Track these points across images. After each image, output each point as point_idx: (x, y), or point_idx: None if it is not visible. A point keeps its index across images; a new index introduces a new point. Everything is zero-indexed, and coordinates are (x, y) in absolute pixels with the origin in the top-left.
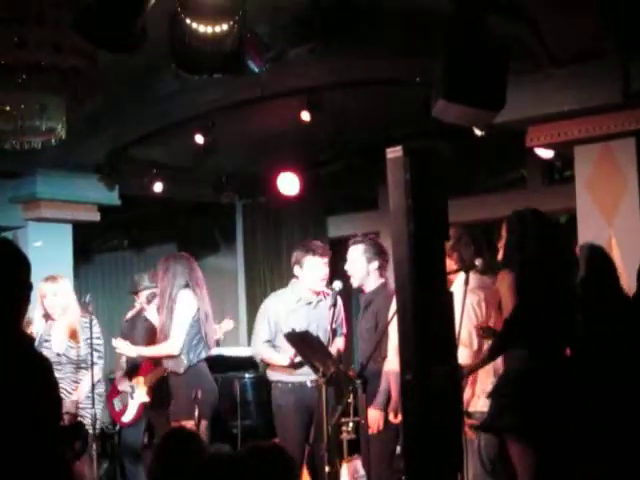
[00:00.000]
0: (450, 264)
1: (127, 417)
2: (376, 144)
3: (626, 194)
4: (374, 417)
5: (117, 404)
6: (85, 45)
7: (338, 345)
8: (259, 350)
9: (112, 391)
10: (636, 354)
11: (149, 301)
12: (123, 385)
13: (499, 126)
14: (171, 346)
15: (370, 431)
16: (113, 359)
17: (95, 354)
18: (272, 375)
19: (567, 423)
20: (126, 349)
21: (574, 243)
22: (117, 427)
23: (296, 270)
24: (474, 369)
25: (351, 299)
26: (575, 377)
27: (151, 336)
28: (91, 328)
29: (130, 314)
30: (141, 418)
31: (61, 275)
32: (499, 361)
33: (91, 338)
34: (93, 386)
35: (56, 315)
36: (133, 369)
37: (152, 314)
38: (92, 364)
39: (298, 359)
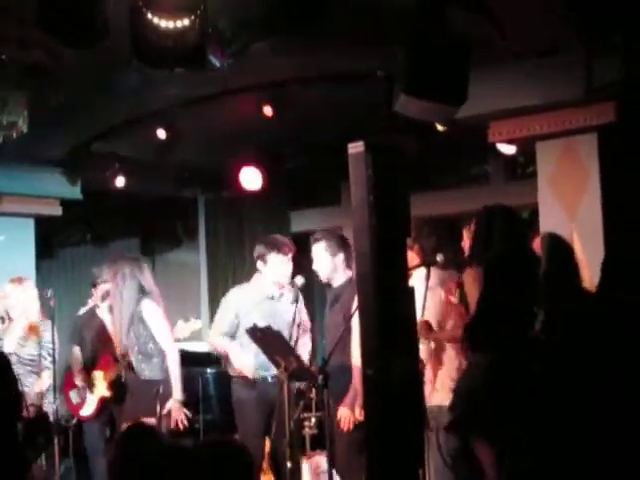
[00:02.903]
0: (412, 257)
1: (86, 411)
2: (339, 139)
3: (588, 190)
4: (344, 415)
5: (74, 397)
6: (49, 40)
7: (307, 346)
8: (216, 341)
9: (67, 384)
10: (600, 348)
11: (103, 298)
12: (80, 378)
13: (461, 121)
14: (173, 347)
15: (342, 428)
16: (67, 358)
17: (48, 358)
18: (233, 370)
19: (531, 419)
20: None
21: (535, 237)
22: (74, 420)
23: (259, 265)
24: (433, 337)
25: (313, 294)
26: (539, 371)
27: (102, 335)
28: (53, 330)
29: (83, 310)
30: (102, 412)
31: (26, 278)
32: (455, 362)
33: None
34: (55, 383)
35: (14, 315)
36: (91, 363)
37: (104, 312)
38: (54, 361)
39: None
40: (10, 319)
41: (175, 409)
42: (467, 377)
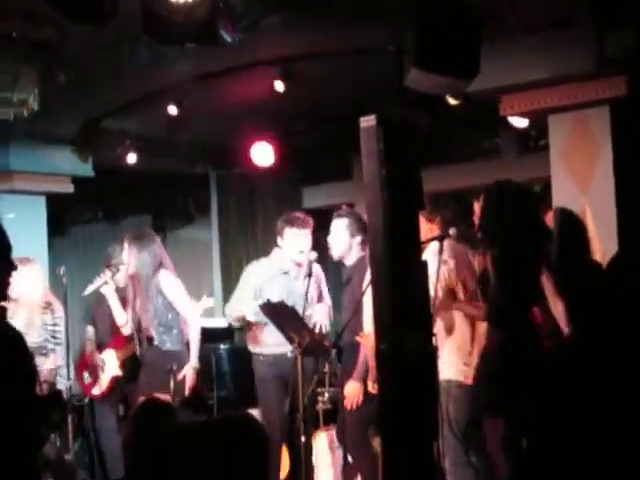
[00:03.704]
0: (432, 229)
1: (98, 390)
2: (350, 114)
3: (600, 163)
4: (353, 389)
5: (86, 376)
6: (57, 17)
7: (319, 314)
8: (232, 310)
9: (81, 364)
10: (612, 324)
11: (113, 274)
12: (93, 358)
13: (473, 95)
14: (195, 314)
15: (348, 404)
16: (81, 337)
17: (52, 341)
18: (253, 348)
19: (542, 398)
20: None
21: (548, 211)
22: (86, 399)
23: (278, 240)
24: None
25: (328, 271)
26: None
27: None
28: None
29: (90, 288)
30: (114, 391)
31: (31, 260)
32: (467, 334)
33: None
34: (68, 360)
35: (14, 296)
36: (103, 341)
37: (110, 293)
38: (68, 338)
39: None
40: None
41: (190, 375)
42: (486, 354)
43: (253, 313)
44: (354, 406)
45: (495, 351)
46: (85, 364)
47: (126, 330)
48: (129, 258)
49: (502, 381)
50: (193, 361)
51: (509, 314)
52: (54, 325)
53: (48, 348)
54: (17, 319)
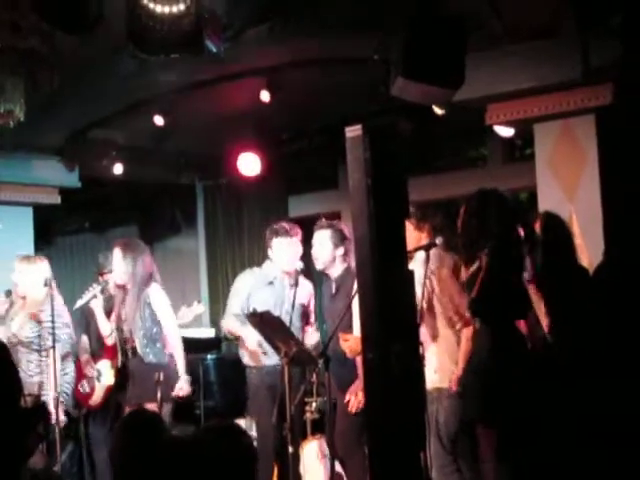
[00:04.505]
0: (422, 238)
1: (95, 400)
2: (336, 123)
3: (586, 171)
4: (352, 402)
5: (83, 387)
6: (43, 26)
7: (313, 338)
8: (229, 324)
9: (77, 374)
10: (599, 326)
11: (102, 289)
12: (88, 368)
13: (459, 104)
14: (178, 338)
15: (344, 412)
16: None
17: (50, 338)
18: (248, 361)
19: (532, 405)
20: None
21: (536, 219)
22: (83, 410)
23: (269, 253)
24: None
25: (313, 279)
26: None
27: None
28: (52, 308)
29: (82, 301)
30: (108, 401)
31: (41, 258)
32: (453, 341)
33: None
34: (54, 369)
35: (21, 293)
36: (97, 351)
37: (98, 307)
38: (54, 345)
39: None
40: (20, 297)
41: (184, 388)
42: (474, 362)
43: (256, 343)
44: (350, 413)
45: (483, 359)
46: (81, 375)
47: (110, 340)
48: (120, 267)
49: (491, 390)
50: (180, 371)
51: (496, 321)
52: (51, 322)
53: (42, 345)
54: (19, 316)
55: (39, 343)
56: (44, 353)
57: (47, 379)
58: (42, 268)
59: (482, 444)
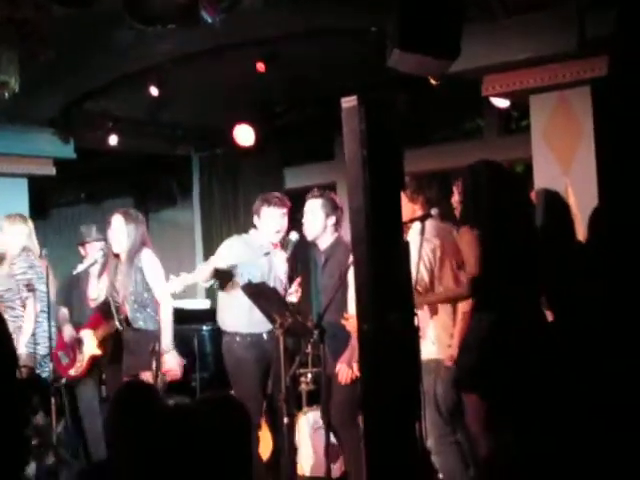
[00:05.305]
0: (415, 209)
1: (76, 370)
2: (332, 94)
3: (582, 143)
4: (342, 372)
5: (63, 357)
6: None
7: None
8: (201, 266)
9: (57, 345)
10: (597, 305)
11: (104, 254)
12: (70, 338)
13: (454, 75)
14: (168, 296)
15: (339, 383)
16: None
17: (24, 289)
18: (228, 327)
19: (527, 379)
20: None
21: (530, 192)
22: (63, 381)
23: (255, 220)
24: (426, 301)
25: (307, 252)
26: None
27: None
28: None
29: (80, 268)
30: (93, 371)
31: (23, 218)
32: (450, 314)
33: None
34: (50, 338)
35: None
36: (79, 322)
37: (95, 269)
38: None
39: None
40: None
41: (166, 360)
42: (472, 334)
43: (221, 261)
44: (342, 384)
45: (483, 333)
46: (61, 345)
47: (94, 304)
48: (122, 234)
49: (490, 363)
50: (163, 343)
51: (498, 295)
52: (24, 274)
53: (16, 299)
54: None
55: (10, 298)
56: (19, 309)
57: (20, 335)
58: (21, 227)
59: (470, 413)
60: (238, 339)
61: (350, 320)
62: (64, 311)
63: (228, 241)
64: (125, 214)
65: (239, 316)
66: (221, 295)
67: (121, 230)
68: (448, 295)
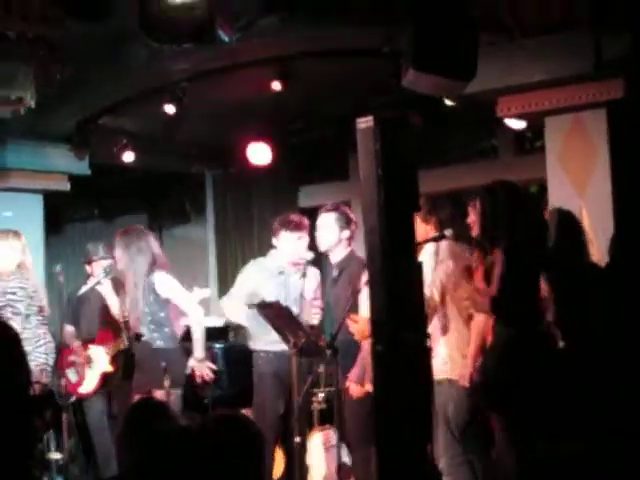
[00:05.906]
0: (428, 230)
1: (86, 388)
2: (347, 114)
3: (597, 165)
4: (352, 389)
5: (72, 375)
6: (54, 13)
7: (314, 318)
8: (226, 304)
9: (64, 362)
10: (611, 323)
11: (106, 274)
12: (78, 355)
13: (470, 97)
14: (195, 307)
15: (350, 400)
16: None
17: (9, 310)
18: (254, 345)
19: (544, 397)
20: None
21: (544, 212)
22: (72, 399)
23: (274, 241)
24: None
25: (322, 269)
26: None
27: (102, 310)
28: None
29: (85, 289)
30: (104, 388)
31: (16, 234)
32: (465, 334)
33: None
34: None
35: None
36: (88, 339)
37: (107, 289)
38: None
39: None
40: None
41: (197, 367)
42: (491, 352)
43: (246, 319)
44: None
45: (503, 349)
46: (68, 362)
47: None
48: (118, 254)
49: (510, 379)
50: (197, 353)
51: (517, 311)
52: (12, 294)
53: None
54: None
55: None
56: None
57: None
58: (14, 242)
59: (498, 434)
60: (262, 354)
61: (357, 324)
62: (70, 329)
63: (244, 269)
64: (121, 234)
65: (264, 333)
66: (249, 313)
67: (117, 250)
68: (478, 330)
